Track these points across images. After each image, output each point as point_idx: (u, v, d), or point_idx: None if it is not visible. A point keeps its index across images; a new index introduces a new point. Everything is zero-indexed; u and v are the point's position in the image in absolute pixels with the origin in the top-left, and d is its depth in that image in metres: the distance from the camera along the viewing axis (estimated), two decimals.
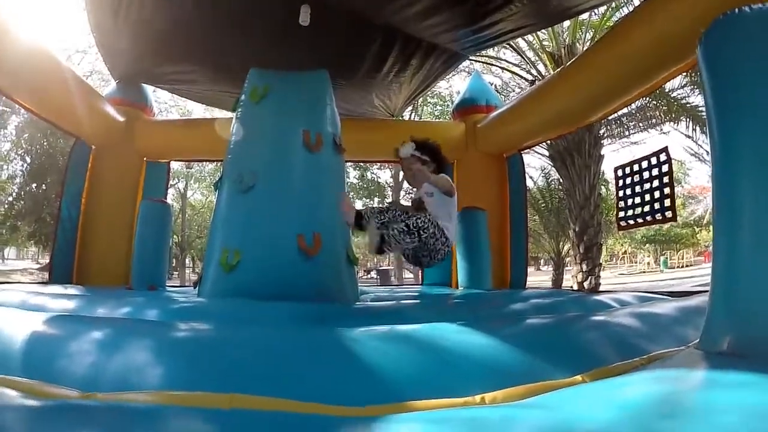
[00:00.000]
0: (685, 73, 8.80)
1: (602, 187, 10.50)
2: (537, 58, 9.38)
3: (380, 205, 2.80)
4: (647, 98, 9.34)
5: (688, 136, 9.99)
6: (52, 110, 4.88)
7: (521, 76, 10.12)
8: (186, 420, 0.93)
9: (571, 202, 8.36)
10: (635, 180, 4.45)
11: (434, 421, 0.95)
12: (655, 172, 4.28)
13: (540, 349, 1.51)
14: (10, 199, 15.85)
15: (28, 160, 15.15)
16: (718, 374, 1.12)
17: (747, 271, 1.27)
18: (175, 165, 13.86)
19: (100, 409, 0.98)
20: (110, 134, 5.58)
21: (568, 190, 8.43)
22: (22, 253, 35.90)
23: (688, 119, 9.40)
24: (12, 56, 3.86)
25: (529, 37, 8.89)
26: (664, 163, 4.21)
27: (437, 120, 13.89)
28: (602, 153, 8.56)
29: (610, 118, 9.67)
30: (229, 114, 5.43)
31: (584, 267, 8.17)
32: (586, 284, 7.92)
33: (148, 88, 6.26)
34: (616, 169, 4.75)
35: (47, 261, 10.48)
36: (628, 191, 4.54)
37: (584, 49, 7.00)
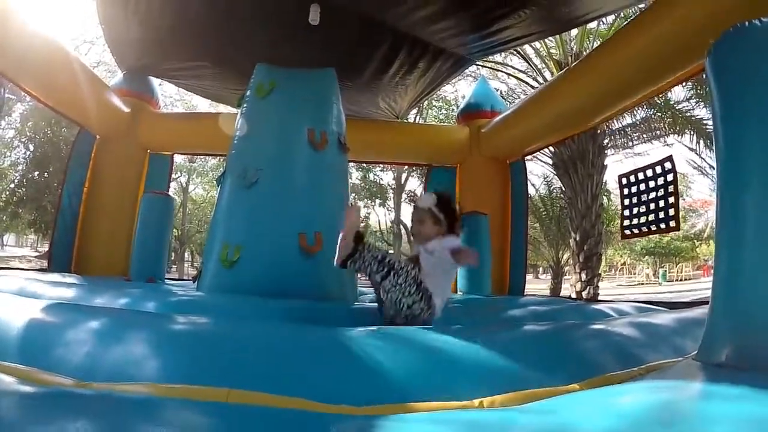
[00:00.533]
0: (690, 86, 8.83)
1: (604, 197, 10.50)
2: (544, 65, 9.39)
3: (380, 251, 2.29)
4: (652, 109, 9.35)
5: (692, 149, 10.01)
6: (58, 98, 4.89)
7: (527, 83, 10.14)
8: (182, 412, 0.92)
9: (573, 211, 8.36)
10: (640, 189, 4.44)
11: (432, 421, 0.95)
12: (660, 181, 4.27)
13: (537, 356, 1.50)
14: (12, 185, 15.87)
15: (31, 147, 15.18)
16: (715, 385, 1.12)
17: (749, 284, 1.26)
18: (178, 158, 13.96)
19: (94, 397, 0.98)
20: (115, 124, 5.58)
21: (570, 199, 8.43)
22: (22, 240, 35.92)
23: (692, 132, 9.41)
24: (19, 43, 3.87)
25: (537, 44, 8.91)
26: (669, 172, 4.20)
27: (442, 123, 13.89)
28: (605, 163, 8.57)
29: (614, 128, 9.72)
30: (233, 110, 5.45)
31: (583, 276, 8.17)
32: (584, 294, 7.91)
33: (155, 81, 6.27)
34: (620, 177, 4.73)
35: (46, 249, 10.48)
36: (633, 200, 4.52)
37: None
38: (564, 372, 1.42)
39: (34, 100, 5.13)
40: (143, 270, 4.49)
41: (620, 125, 9.85)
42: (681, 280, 27.75)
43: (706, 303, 1.47)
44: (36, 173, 15.33)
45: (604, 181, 8.77)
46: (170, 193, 6.53)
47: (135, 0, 4.18)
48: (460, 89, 16.55)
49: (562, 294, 11.27)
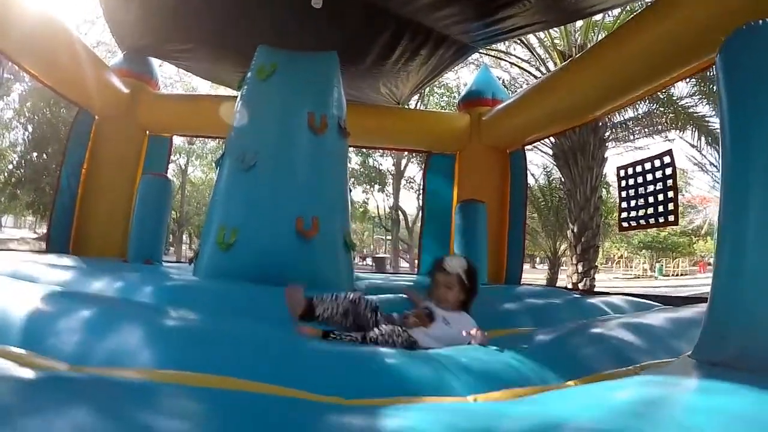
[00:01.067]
0: (694, 82, 8.78)
1: (603, 189, 10.49)
2: (547, 56, 9.31)
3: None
4: (655, 104, 9.30)
5: (693, 145, 9.97)
6: (59, 78, 4.83)
7: (530, 73, 10.06)
8: (175, 397, 0.92)
9: (571, 203, 8.36)
10: (638, 182, 4.42)
11: (421, 410, 0.95)
12: (658, 174, 4.24)
13: (535, 360, 1.51)
14: (10, 167, 15.78)
15: (30, 128, 15.06)
16: (707, 382, 1.13)
17: (751, 283, 1.26)
18: (177, 140, 13.88)
19: (88, 381, 0.98)
20: (114, 105, 5.54)
21: (569, 191, 8.42)
22: (20, 222, 35.79)
23: (694, 128, 9.39)
24: (19, 22, 3.81)
25: (541, 34, 8.83)
26: (668, 165, 4.17)
27: (443, 110, 13.81)
28: (606, 156, 8.55)
29: (615, 121, 9.68)
30: (234, 92, 5.40)
31: (580, 268, 8.20)
32: (581, 285, 7.94)
33: (155, 62, 6.21)
34: (618, 169, 4.69)
35: (44, 231, 10.46)
36: (631, 192, 4.50)
37: None
38: (560, 375, 1.44)
39: (34, 80, 5.08)
40: (141, 252, 4.49)
41: (622, 118, 9.81)
42: (677, 275, 27.84)
43: (701, 299, 1.47)
44: (34, 154, 15.19)
45: (603, 173, 8.77)
46: (169, 175, 6.51)
47: None
48: (462, 76, 16.50)
49: (558, 285, 11.31)
